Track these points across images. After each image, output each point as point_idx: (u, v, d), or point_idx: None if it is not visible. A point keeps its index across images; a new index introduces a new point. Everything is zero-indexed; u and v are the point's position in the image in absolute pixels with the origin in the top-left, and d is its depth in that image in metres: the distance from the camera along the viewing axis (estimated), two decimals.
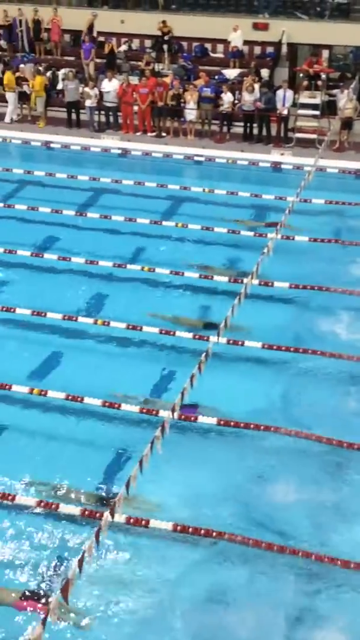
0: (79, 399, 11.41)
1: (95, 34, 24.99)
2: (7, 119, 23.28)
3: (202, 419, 10.90)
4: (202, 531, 9.11)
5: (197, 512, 9.59)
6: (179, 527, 9.15)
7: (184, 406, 10.80)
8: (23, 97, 23.58)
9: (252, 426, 10.80)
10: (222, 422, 10.86)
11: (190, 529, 9.11)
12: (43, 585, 8.61)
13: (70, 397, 11.43)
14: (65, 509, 9.48)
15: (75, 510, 9.47)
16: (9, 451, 10.76)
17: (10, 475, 10.18)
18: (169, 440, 8.88)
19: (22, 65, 23.83)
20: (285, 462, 10.55)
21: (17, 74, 23.35)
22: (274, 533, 9.31)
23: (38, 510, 9.58)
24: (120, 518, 8.80)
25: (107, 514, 7.64)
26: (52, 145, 21.85)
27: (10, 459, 10.49)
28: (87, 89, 22.70)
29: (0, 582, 8.75)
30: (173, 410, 9.34)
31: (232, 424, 10.85)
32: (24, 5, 25.87)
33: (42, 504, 9.56)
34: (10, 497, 9.64)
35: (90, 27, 24.83)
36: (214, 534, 9.09)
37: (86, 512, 9.39)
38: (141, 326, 13.07)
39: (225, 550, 9.06)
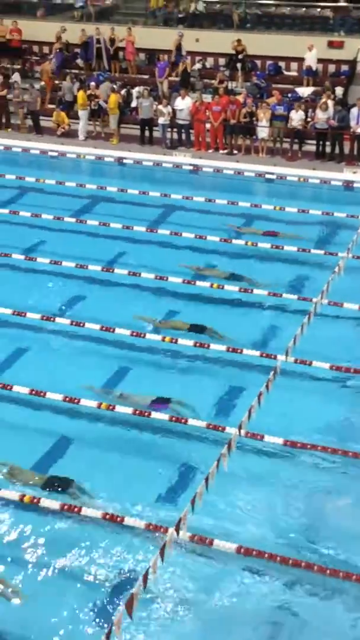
0: (146, 413, 11.49)
1: (184, 53, 25.30)
2: (81, 137, 23.71)
3: (268, 439, 10.83)
4: (266, 555, 9.00)
5: (261, 534, 9.51)
6: (242, 550, 9.07)
7: (156, 400, 11.48)
8: (96, 114, 23.97)
9: (319, 448, 10.69)
10: (288, 443, 10.78)
11: (254, 552, 9.01)
12: (106, 598, 8.66)
13: (137, 412, 11.52)
14: (129, 521, 9.52)
15: (139, 523, 9.49)
16: (75, 461, 10.90)
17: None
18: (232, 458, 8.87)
19: (92, 83, 24.26)
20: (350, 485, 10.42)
21: (89, 91, 23.76)
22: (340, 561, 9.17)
23: (103, 522, 9.65)
24: (184, 535, 8.79)
25: (172, 530, 7.65)
26: (124, 161, 22.14)
27: (73, 470, 10.61)
28: (160, 107, 22.96)
29: (64, 592, 8.82)
30: (240, 428, 9.32)
31: (298, 444, 10.77)
32: (102, 24, 26.37)
33: (107, 516, 9.62)
34: (76, 509, 9.74)
35: (178, 47, 25.15)
36: (278, 558, 8.97)
37: (150, 526, 9.40)
38: (208, 344, 13.09)
39: (292, 576, 8.94)
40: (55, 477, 10.29)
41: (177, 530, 7.69)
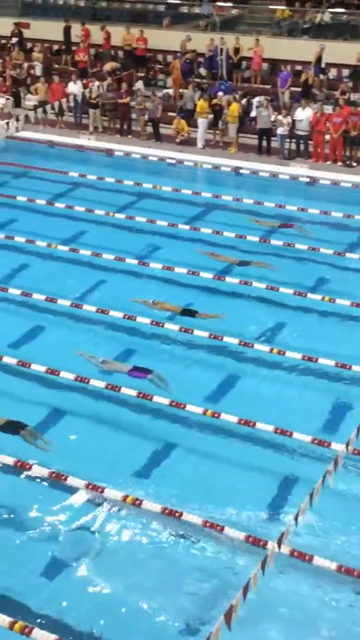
0: (250, 423, 11.44)
1: (323, 65, 25.09)
2: (199, 145, 23.89)
3: None
4: None
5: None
6: (343, 569, 8.89)
7: (135, 369, 12.25)
8: (217, 122, 24.09)
9: None
10: None
11: (356, 573, 8.82)
12: (204, 608, 8.65)
13: (242, 422, 11.49)
14: (229, 532, 9.50)
15: (239, 535, 9.45)
16: (175, 468, 11.01)
17: (178, 494, 10.37)
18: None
19: (219, 93, 24.39)
20: None
21: (215, 100, 23.90)
22: None
23: (204, 530, 9.66)
24: (285, 549, 8.70)
25: (274, 544, 7.59)
26: (241, 171, 22.17)
27: (173, 478, 10.71)
28: (280, 117, 22.85)
29: (161, 599, 8.88)
30: (348, 445, 9.15)
31: None
32: (226, 34, 26.52)
33: (208, 524, 9.63)
34: (177, 514, 9.79)
35: (319, 58, 24.95)
36: None
37: (250, 539, 9.34)
38: (317, 357, 12.93)
39: None
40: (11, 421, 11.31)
41: (279, 544, 7.61)
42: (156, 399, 12.08)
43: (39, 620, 8.52)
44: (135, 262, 16.68)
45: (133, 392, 12.23)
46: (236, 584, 8.30)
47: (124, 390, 12.29)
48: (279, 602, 8.75)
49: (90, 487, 10.31)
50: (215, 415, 11.68)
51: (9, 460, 10.80)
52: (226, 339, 13.61)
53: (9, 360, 13.08)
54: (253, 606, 8.00)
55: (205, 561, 9.37)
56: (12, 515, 10.21)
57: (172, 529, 9.82)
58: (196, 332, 13.86)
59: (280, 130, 22.85)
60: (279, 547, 7.62)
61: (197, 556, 9.44)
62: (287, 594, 8.86)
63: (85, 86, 25.16)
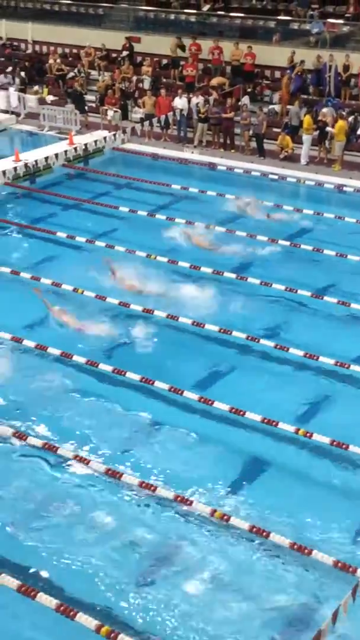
0: (343, 445, 11.24)
1: None
2: (303, 161, 23.72)
3: None
4: None
5: None
6: None
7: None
8: (322, 139, 23.89)
9: None
10: None
11: None
12: (290, 632, 8.53)
13: (335, 443, 11.29)
14: (318, 555, 9.33)
15: (328, 560, 9.27)
16: (264, 486, 10.89)
17: (268, 513, 10.26)
18: None
19: (324, 110, 24.18)
20: None
21: (320, 117, 23.71)
22: None
23: (290, 551, 9.53)
24: None
25: None
26: (344, 189, 21.88)
27: (265, 495, 10.59)
28: None
29: (248, 619, 8.79)
30: None
31: None
32: (335, 51, 26.29)
33: (296, 546, 9.49)
34: (264, 534, 9.69)
35: None
36: None
37: (339, 564, 9.15)
38: None
39: None
40: None
41: None
42: (248, 415, 12.02)
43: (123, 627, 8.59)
44: (233, 275, 16.68)
45: (225, 407, 12.21)
46: (324, 609, 8.15)
47: (216, 404, 12.28)
48: None
49: (179, 499, 10.32)
50: (308, 435, 11.53)
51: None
52: (321, 359, 13.45)
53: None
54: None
55: (292, 583, 9.21)
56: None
57: (255, 548, 9.71)
58: (292, 350, 13.75)
59: None
60: None
61: (283, 577, 9.30)
62: None
63: (189, 100, 25.41)
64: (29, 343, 14.03)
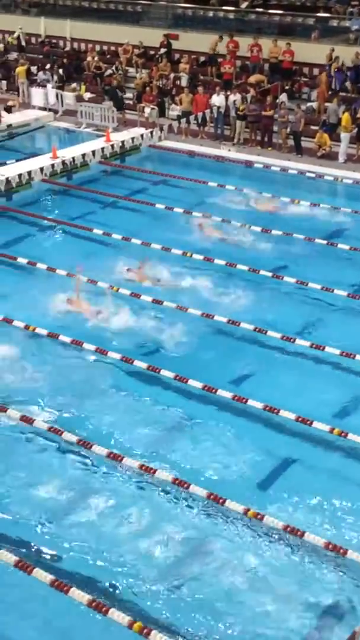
0: None
1: None
2: (340, 159, 23.53)
3: None
4: None
5: None
6: None
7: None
8: None
9: None
10: None
11: None
12: (323, 632, 8.48)
13: None
14: (353, 555, 9.25)
15: None
16: (297, 485, 10.82)
17: (302, 512, 10.22)
18: None
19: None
20: None
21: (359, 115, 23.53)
22: None
23: (325, 551, 9.47)
24: None
25: None
26: None
27: (299, 494, 10.55)
28: None
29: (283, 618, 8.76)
30: None
31: None
32: None
33: (330, 546, 9.42)
34: (299, 533, 9.64)
35: None
36: None
37: None
38: None
39: None
40: None
41: None
42: (282, 413, 11.97)
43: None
44: (269, 274, 16.61)
45: (259, 405, 12.17)
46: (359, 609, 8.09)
47: (250, 402, 12.25)
48: None
49: (212, 497, 10.31)
50: (343, 434, 11.45)
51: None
52: (358, 357, 13.34)
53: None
54: None
55: (326, 584, 9.15)
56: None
57: (293, 547, 9.67)
58: (328, 349, 13.66)
59: None
60: None
61: (318, 577, 9.25)
62: None
63: (227, 98, 25.34)
64: (64, 339, 14.11)
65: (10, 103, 28.68)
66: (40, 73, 30.27)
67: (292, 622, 8.71)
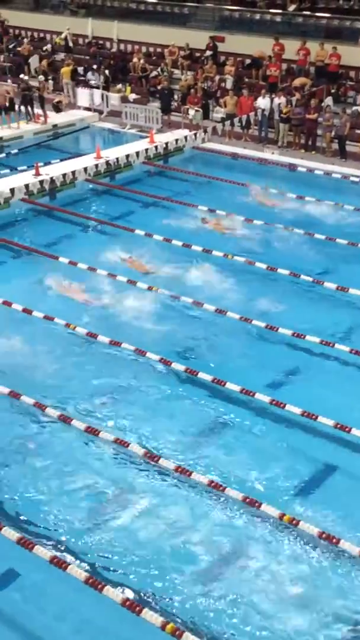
0: None
1: None
2: None
3: None
4: None
5: None
6: None
7: None
8: None
9: None
10: None
11: None
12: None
13: None
14: None
15: None
16: (334, 491, 10.76)
17: (337, 519, 10.13)
18: None
19: None
20: None
21: None
22: None
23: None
24: None
25: None
26: None
27: (335, 501, 10.47)
28: None
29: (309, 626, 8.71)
30: None
31: None
32: None
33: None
34: (334, 540, 9.57)
35: None
36: None
37: None
38: None
39: None
40: None
41: None
42: (320, 419, 11.89)
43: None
44: (310, 279, 16.52)
45: (297, 411, 12.10)
46: None
47: (288, 407, 12.19)
48: None
49: (247, 501, 10.28)
50: None
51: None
52: None
53: None
54: None
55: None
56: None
57: (327, 554, 9.60)
58: None
59: None
60: None
61: (353, 585, 9.17)
62: None
63: (272, 100, 25.25)
64: (103, 339, 14.18)
65: (58, 99, 28.86)
66: (89, 73, 30.50)
67: (324, 629, 8.65)
